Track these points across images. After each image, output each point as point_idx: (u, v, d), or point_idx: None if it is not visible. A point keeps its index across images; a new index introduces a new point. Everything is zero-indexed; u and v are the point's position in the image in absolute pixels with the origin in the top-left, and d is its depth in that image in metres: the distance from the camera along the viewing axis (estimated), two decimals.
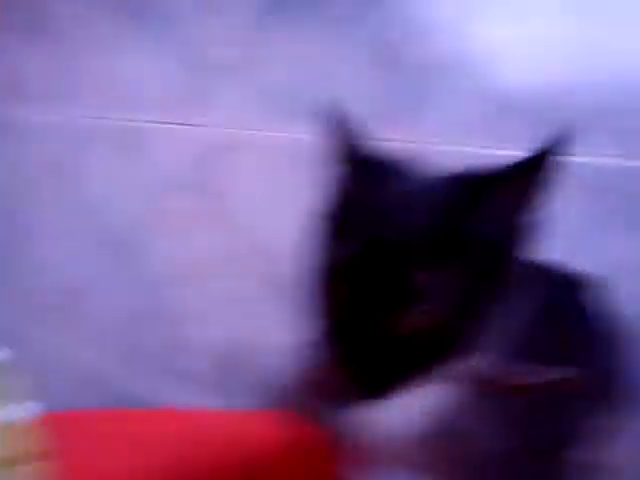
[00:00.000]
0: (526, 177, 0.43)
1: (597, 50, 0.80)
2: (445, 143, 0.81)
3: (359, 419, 0.49)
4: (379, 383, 0.43)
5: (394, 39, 0.86)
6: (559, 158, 0.43)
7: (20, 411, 0.50)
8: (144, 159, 0.98)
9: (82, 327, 0.96)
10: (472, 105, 0.82)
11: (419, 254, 0.42)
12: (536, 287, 0.47)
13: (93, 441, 0.64)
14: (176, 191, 0.98)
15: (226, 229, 1.06)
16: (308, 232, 0.50)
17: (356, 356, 0.43)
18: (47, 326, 0.96)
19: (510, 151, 0.61)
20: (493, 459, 0.47)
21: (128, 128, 0.98)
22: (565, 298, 0.59)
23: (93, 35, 0.98)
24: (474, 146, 0.81)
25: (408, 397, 0.43)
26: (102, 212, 1.03)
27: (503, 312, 0.44)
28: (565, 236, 0.63)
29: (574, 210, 0.73)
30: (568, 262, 0.62)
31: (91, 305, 0.97)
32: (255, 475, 0.63)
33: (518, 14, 0.81)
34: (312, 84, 0.88)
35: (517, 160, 0.44)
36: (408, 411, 0.46)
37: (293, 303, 0.50)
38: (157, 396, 0.89)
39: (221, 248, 1.04)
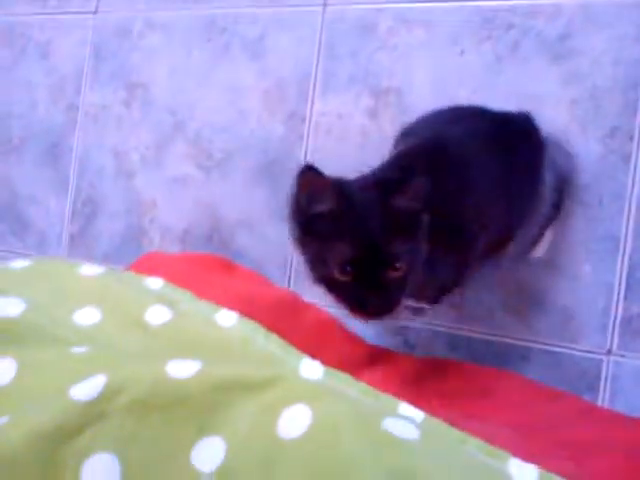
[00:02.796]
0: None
1: None
2: None
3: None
4: (379, 309, 0.72)
5: None
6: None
7: None
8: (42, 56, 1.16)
9: None
10: None
11: (393, 233, 0.71)
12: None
13: None
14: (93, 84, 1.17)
15: (151, 115, 1.20)
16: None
17: (366, 296, 0.71)
18: None
19: None
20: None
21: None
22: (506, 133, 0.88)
23: None
24: None
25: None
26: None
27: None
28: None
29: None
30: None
31: None
32: None
33: None
34: None
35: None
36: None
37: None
38: None
39: (151, 136, 1.19)
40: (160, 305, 0.67)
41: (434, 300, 0.88)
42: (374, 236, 0.70)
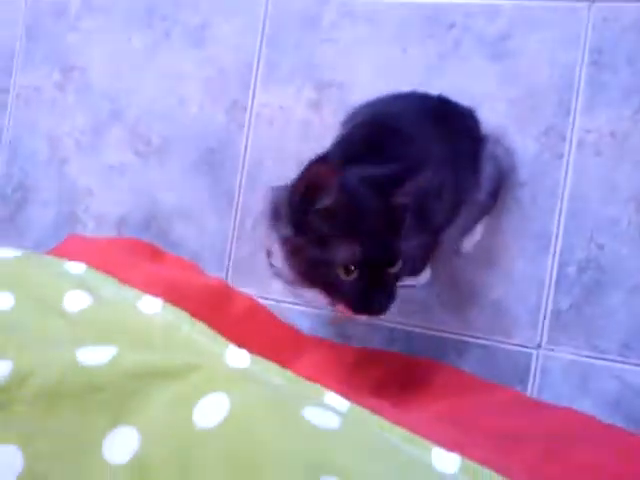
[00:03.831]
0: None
1: None
2: None
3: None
4: (384, 306, 0.72)
5: None
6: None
7: None
8: None
9: None
10: None
11: (396, 231, 0.72)
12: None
13: None
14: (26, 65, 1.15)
15: (87, 100, 1.17)
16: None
17: (371, 294, 0.71)
18: None
19: None
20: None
21: None
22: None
23: None
24: None
25: None
26: None
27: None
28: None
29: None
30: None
31: None
32: None
33: None
34: None
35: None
36: None
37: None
38: None
39: (87, 121, 1.16)
40: (80, 290, 0.64)
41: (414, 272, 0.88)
42: (381, 236, 0.71)
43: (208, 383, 0.52)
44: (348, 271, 0.70)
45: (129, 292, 0.66)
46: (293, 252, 0.73)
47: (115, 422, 0.49)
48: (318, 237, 0.70)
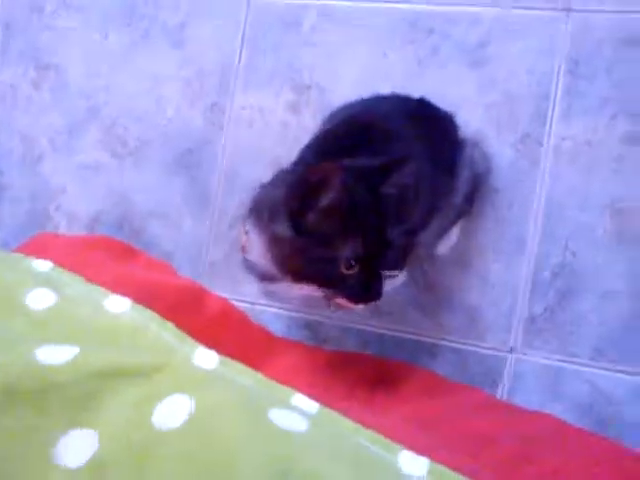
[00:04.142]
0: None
1: None
2: None
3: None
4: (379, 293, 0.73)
5: None
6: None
7: None
8: None
9: None
10: None
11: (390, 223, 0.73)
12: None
13: None
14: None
15: (63, 98, 1.16)
16: None
17: (370, 284, 0.73)
18: None
19: None
20: None
21: None
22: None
23: None
24: None
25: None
26: None
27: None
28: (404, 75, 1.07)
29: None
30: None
31: None
32: None
33: None
34: None
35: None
36: None
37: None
38: None
39: (62, 120, 1.15)
40: (45, 288, 0.63)
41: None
42: (377, 229, 0.72)
43: (172, 384, 0.52)
44: (349, 266, 0.71)
45: (96, 291, 0.65)
46: (293, 252, 0.73)
47: (72, 424, 0.48)
48: (321, 236, 0.71)
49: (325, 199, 0.70)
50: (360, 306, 0.75)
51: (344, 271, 0.71)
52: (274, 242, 0.74)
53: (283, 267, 0.74)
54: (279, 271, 0.74)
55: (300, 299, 0.81)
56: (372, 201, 0.73)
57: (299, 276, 0.74)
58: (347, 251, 0.71)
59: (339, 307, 0.78)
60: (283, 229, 0.72)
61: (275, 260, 0.74)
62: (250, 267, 0.80)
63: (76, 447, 0.47)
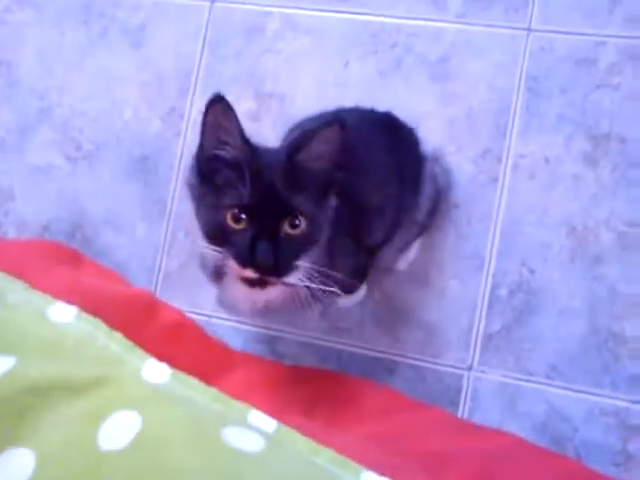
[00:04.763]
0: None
1: None
2: None
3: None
4: (270, 263, 0.67)
5: None
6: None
7: None
8: None
9: None
10: None
11: (294, 186, 0.68)
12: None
13: None
14: None
15: (14, 96, 1.11)
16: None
17: (258, 245, 0.67)
18: None
19: None
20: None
21: None
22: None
23: None
24: None
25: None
26: None
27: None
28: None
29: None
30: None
31: None
32: None
33: None
34: None
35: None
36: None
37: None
38: None
39: (13, 118, 1.10)
40: None
41: (345, 285, 0.81)
42: (273, 185, 0.68)
43: (118, 400, 0.48)
44: (238, 220, 0.68)
45: (39, 298, 0.61)
46: (197, 200, 0.72)
47: (7, 442, 0.44)
48: (216, 184, 0.69)
49: (226, 152, 0.68)
50: (248, 272, 0.68)
51: (231, 223, 0.67)
52: (192, 197, 0.73)
53: (200, 225, 0.71)
54: (202, 233, 0.71)
55: (252, 308, 0.77)
56: (278, 161, 0.69)
57: (204, 232, 0.71)
58: (229, 197, 0.68)
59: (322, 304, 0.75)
60: (193, 177, 0.72)
61: (197, 218, 0.72)
62: (202, 262, 0.77)
63: (11, 468, 0.43)
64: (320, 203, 0.71)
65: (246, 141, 0.69)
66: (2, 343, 0.52)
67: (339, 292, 0.72)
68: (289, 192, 0.68)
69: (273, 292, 0.73)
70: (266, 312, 0.77)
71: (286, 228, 0.68)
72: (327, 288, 0.71)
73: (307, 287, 0.71)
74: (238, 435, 0.48)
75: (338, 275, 0.72)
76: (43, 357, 0.52)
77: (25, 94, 1.21)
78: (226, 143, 0.68)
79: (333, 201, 0.73)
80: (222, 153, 0.68)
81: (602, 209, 0.99)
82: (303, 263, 0.70)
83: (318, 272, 0.71)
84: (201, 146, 0.70)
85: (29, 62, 1.22)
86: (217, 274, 0.75)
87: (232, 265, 0.69)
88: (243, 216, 0.67)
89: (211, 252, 0.70)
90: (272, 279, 0.70)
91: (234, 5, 1.16)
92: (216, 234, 0.69)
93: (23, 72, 1.22)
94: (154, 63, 1.17)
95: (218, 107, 0.67)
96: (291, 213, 0.68)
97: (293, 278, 0.71)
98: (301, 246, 0.70)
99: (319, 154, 0.69)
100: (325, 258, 0.73)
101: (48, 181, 1.18)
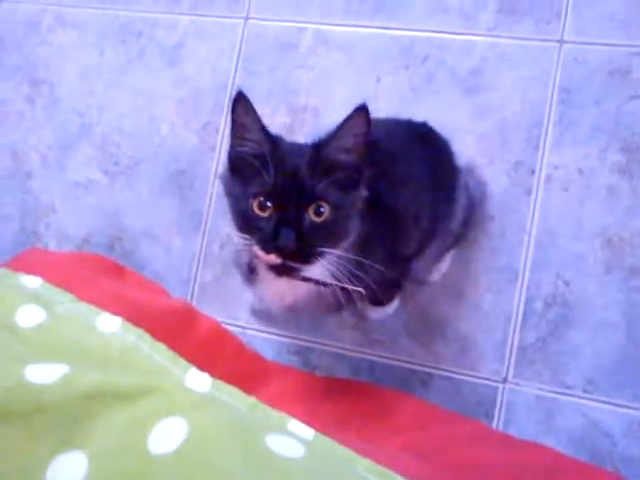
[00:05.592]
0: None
1: None
2: None
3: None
4: (294, 249, 0.68)
5: None
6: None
7: None
8: None
9: None
10: None
11: (320, 174, 0.69)
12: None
13: None
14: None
15: (56, 115, 1.13)
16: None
17: (282, 231, 0.68)
18: None
19: None
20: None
21: None
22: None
23: None
24: None
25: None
26: None
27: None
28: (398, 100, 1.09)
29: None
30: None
31: None
32: None
33: None
34: None
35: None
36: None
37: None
38: None
39: (54, 136, 1.13)
40: (34, 305, 0.61)
41: (376, 295, 0.80)
42: (297, 173, 0.69)
43: (165, 407, 0.50)
44: (263, 208, 0.69)
45: (86, 309, 0.63)
46: (229, 193, 0.74)
47: (62, 446, 0.46)
48: (244, 176, 0.71)
49: (244, 147, 0.71)
50: (272, 258, 0.69)
51: (257, 211, 0.69)
52: (225, 191, 0.75)
53: (231, 216, 0.73)
54: (234, 225, 0.73)
55: (281, 304, 0.77)
56: (302, 152, 0.71)
57: (235, 222, 0.73)
58: (254, 185, 0.69)
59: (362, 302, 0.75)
60: (225, 172, 0.74)
61: (229, 211, 0.74)
62: (236, 259, 0.79)
63: (66, 471, 0.45)
64: (348, 193, 0.72)
65: (266, 133, 0.71)
66: (56, 351, 0.55)
67: (364, 292, 0.72)
68: (313, 180, 0.69)
69: (301, 289, 0.75)
70: (295, 309, 0.78)
71: (311, 215, 0.69)
72: (354, 287, 0.71)
73: (334, 286, 0.72)
74: (280, 442, 0.49)
75: (367, 279, 0.72)
76: (93, 365, 0.54)
77: (66, 112, 1.25)
78: (249, 137, 0.70)
79: (363, 192, 0.73)
80: (247, 147, 0.71)
81: (637, 220, 0.98)
82: (329, 250, 0.70)
83: (346, 269, 0.71)
84: (231, 142, 0.73)
85: (70, 81, 1.26)
86: (250, 270, 0.77)
87: (258, 252, 0.70)
88: (268, 204, 0.69)
89: (242, 242, 0.71)
90: (296, 265, 0.70)
91: (267, 22, 1.18)
92: (245, 223, 0.71)
93: (64, 91, 1.26)
94: (190, 80, 1.20)
95: (239, 104, 0.70)
96: (315, 200, 0.69)
97: (319, 272, 0.72)
98: (326, 234, 0.70)
99: (346, 143, 0.71)
100: (356, 264, 0.73)
101: (88, 195, 1.21)
